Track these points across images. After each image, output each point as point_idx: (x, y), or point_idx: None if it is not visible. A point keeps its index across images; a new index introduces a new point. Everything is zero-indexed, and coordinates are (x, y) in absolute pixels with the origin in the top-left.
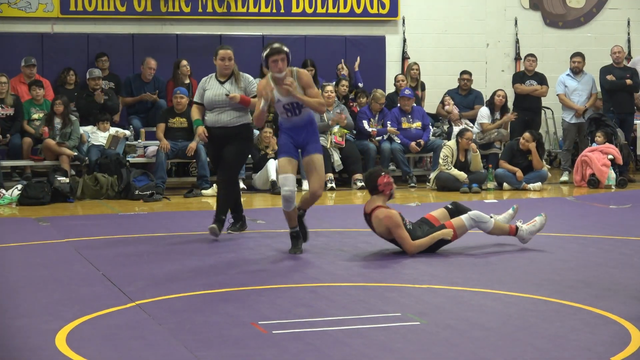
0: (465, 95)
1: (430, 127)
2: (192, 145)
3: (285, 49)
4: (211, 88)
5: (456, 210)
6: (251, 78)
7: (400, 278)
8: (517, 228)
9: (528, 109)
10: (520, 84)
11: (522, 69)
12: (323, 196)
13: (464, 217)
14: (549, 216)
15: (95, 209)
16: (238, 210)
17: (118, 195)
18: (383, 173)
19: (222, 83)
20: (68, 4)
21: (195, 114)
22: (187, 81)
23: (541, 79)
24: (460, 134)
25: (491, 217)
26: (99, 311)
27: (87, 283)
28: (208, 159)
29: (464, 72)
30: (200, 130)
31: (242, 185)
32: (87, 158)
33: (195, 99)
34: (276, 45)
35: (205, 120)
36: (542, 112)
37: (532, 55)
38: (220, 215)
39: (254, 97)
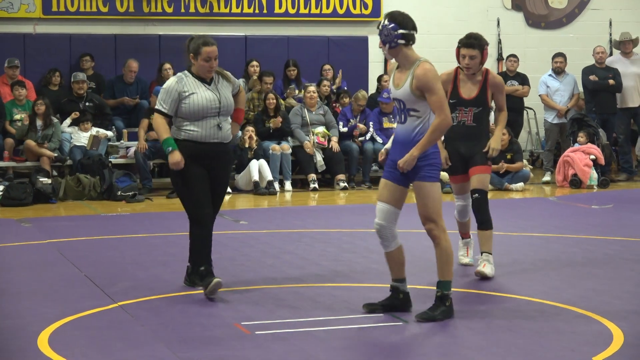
0: None
1: None
2: (141, 145)
3: None
4: (197, 92)
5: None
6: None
7: (384, 279)
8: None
9: (510, 109)
10: None
11: (505, 69)
12: (306, 197)
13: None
14: (531, 216)
15: (77, 210)
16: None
17: (100, 196)
18: None
19: (208, 84)
20: (50, 4)
21: (163, 129)
22: None
23: (523, 80)
24: None
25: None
26: (82, 312)
27: (69, 284)
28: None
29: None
30: (178, 157)
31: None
32: (68, 158)
33: (160, 107)
34: None
35: (185, 135)
36: (525, 112)
37: (514, 55)
38: (209, 261)
39: (239, 91)
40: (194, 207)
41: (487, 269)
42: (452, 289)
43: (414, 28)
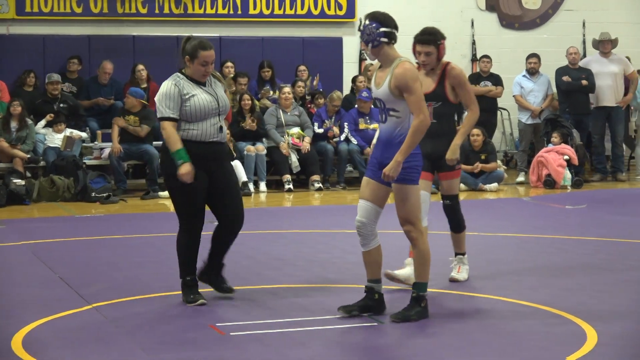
0: None
1: None
2: (115, 148)
3: None
4: (196, 93)
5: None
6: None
7: (359, 279)
8: None
9: (484, 110)
10: (475, 85)
11: (478, 70)
12: (280, 197)
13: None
14: (506, 216)
15: (51, 211)
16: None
17: (74, 197)
18: None
19: (203, 85)
20: (24, 5)
21: (174, 138)
22: (145, 85)
23: (496, 80)
24: None
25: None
26: (56, 314)
27: (43, 286)
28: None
29: None
30: (189, 168)
31: None
32: (42, 159)
33: (169, 113)
34: None
35: (185, 135)
36: (499, 112)
37: (486, 56)
38: (195, 271)
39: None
40: (187, 216)
41: (462, 274)
42: (427, 290)
43: (396, 27)
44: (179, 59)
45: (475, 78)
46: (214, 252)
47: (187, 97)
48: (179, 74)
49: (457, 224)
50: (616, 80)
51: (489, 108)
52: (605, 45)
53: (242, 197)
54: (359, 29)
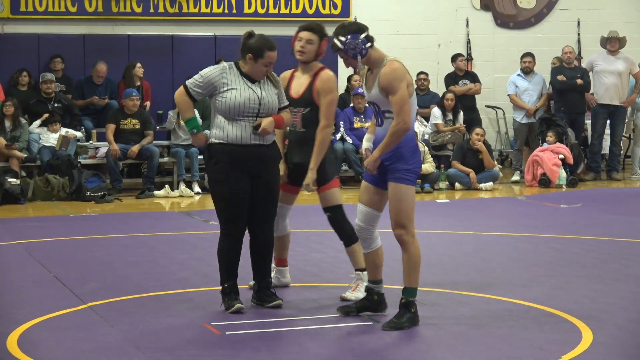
0: (422, 96)
1: None
2: (135, 149)
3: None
4: (239, 88)
5: None
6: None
7: (352, 278)
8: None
9: (467, 108)
10: (454, 85)
11: (474, 69)
12: None
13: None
14: (501, 215)
15: (46, 211)
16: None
17: (69, 197)
18: None
19: (252, 82)
20: (18, 4)
21: (186, 106)
22: (138, 83)
23: (473, 78)
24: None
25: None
26: (51, 313)
27: (38, 285)
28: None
29: (420, 73)
30: (203, 138)
31: (197, 188)
32: (37, 158)
33: (193, 86)
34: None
35: (223, 135)
36: (494, 112)
37: (461, 55)
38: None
39: (286, 107)
40: (225, 221)
41: (356, 293)
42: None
43: (367, 28)
44: (238, 52)
45: (453, 78)
46: (254, 270)
47: (225, 88)
48: (232, 64)
49: (346, 237)
50: (621, 78)
51: (470, 106)
52: (612, 43)
53: (275, 207)
54: (335, 50)
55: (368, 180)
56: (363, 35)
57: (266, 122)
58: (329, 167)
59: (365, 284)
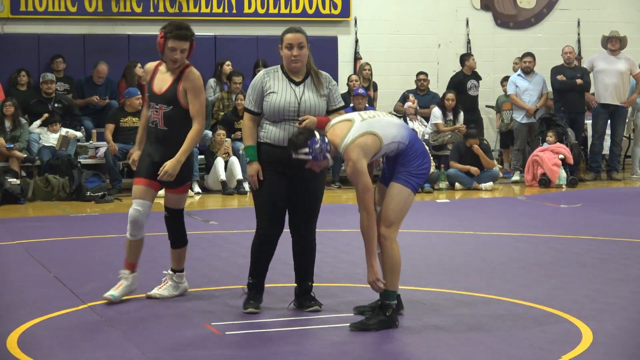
0: (422, 96)
1: None
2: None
3: None
4: (279, 91)
5: None
6: (334, 81)
7: (352, 278)
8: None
9: (467, 108)
10: (459, 88)
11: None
12: None
13: None
14: (500, 215)
15: (46, 211)
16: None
17: (69, 197)
18: None
19: (295, 84)
20: (18, 4)
21: (248, 133)
22: (139, 83)
23: (477, 77)
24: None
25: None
26: (51, 313)
27: (38, 285)
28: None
29: (420, 73)
30: (253, 172)
31: (197, 188)
32: (37, 158)
33: (249, 105)
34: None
35: (265, 136)
36: (495, 112)
37: (470, 54)
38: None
39: (339, 109)
40: (260, 220)
41: (162, 291)
42: (395, 300)
43: (306, 129)
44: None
45: (461, 79)
46: (296, 273)
47: (267, 92)
48: (278, 67)
49: (178, 239)
50: (622, 79)
51: (473, 107)
52: (613, 43)
53: (315, 209)
54: (303, 156)
55: (383, 182)
56: (317, 137)
57: (309, 121)
58: (190, 171)
59: (183, 284)
